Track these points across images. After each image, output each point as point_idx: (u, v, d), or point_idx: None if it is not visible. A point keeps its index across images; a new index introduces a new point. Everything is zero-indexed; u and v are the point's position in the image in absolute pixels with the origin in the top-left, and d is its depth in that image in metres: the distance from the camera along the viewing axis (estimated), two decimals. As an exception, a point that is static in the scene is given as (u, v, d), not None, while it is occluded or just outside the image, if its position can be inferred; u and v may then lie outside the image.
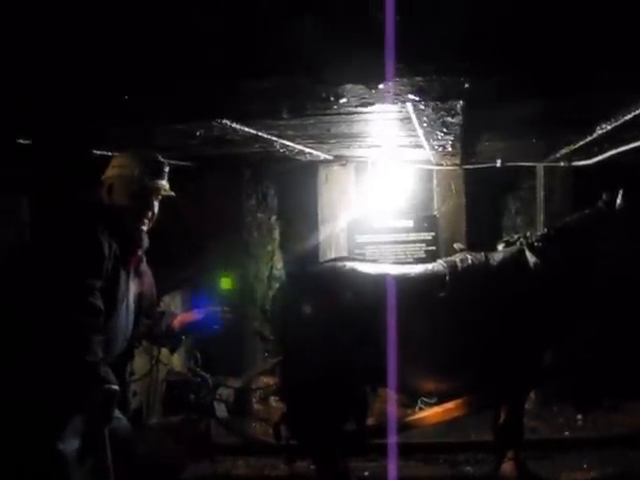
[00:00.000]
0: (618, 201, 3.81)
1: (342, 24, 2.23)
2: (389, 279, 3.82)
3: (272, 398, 5.99)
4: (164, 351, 4.54)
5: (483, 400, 3.92)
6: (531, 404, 5.52)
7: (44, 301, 2.62)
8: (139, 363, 4.73)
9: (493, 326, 3.75)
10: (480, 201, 6.37)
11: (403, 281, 3.86)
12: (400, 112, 3.29)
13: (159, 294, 3.60)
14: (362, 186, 6.42)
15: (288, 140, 4.44)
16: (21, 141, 3.90)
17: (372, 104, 2.87)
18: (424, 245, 6.24)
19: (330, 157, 5.92)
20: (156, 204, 3.09)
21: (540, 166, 6.16)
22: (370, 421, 4.29)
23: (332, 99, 2.75)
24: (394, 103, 2.83)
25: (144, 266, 3.19)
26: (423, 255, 6.19)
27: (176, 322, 3.48)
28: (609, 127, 3.74)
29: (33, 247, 2.99)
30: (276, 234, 7.08)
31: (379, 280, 3.83)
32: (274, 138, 4.24)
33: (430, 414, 4.01)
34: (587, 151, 5.14)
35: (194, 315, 3.60)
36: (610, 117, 3.57)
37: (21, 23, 2.46)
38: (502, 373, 3.83)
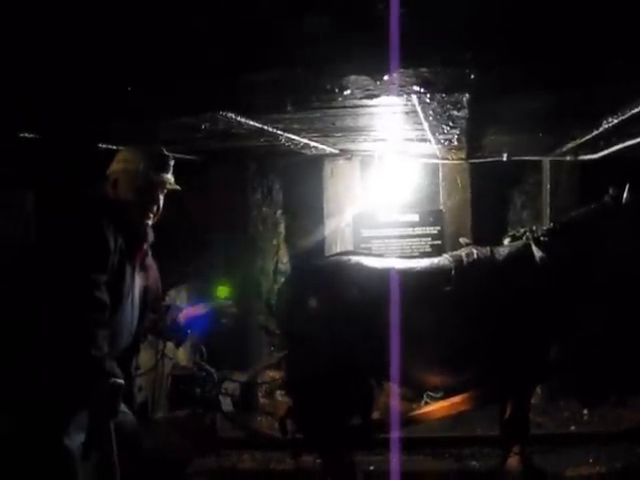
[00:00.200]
0: (625, 196, 3.79)
1: (346, 15, 2.22)
2: (394, 273, 3.81)
3: (278, 392, 6.00)
4: (170, 345, 4.56)
5: (489, 394, 3.91)
6: (537, 399, 5.51)
7: (50, 296, 2.62)
8: (145, 357, 4.73)
9: (499, 320, 3.74)
10: (486, 195, 6.36)
11: (409, 275, 3.85)
12: (406, 105, 3.28)
13: (164, 288, 3.61)
14: (368, 180, 6.41)
15: (293, 134, 4.43)
16: (26, 136, 3.90)
17: (377, 96, 2.85)
18: (430, 239, 6.23)
19: (335, 151, 5.91)
20: (161, 198, 3.08)
21: (546, 160, 6.14)
22: (376, 415, 4.29)
23: (336, 91, 2.73)
24: (399, 95, 2.81)
25: (149, 260, 3.19)
26: (429, 249, 6.17)
27: (181, 316, 3.49)
28: (616, 121, 3.72)
29: (39, 242, 2.99)
30: (281, 228, 7.08)
31: (385, 274, 3.82)
32: (279, 132, 4.24)
33: (436, 408, 4.00)
34: (593, 145, 5.12)
35: (200, 309, 3.61)
36: (617, 111, 3.55)
37: (28, 24, 2.47)
38: (508, 367, 3.82)
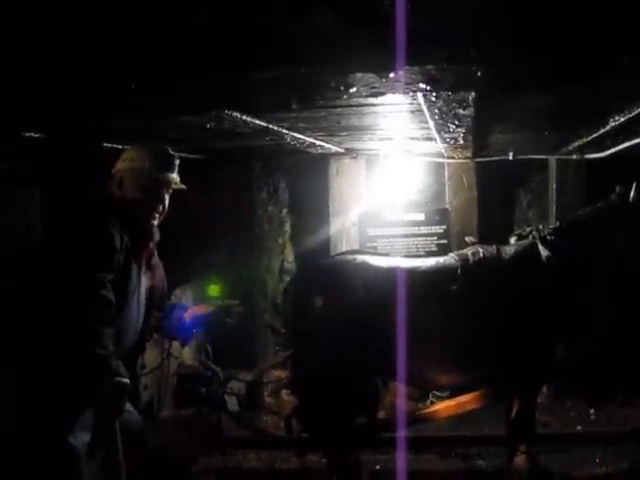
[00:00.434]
0: (632, 194, 3.78)
1: (352, 12, 2.21)
2: (400, 272, 3.81)
3: (283, 391, 5.99)
4: (175, 344, 4.56)
5: (495, 393, 3.90)
6: (543, 398, 5.49)
7: (55, 294, 2.63)
8: (150, 356, 4.73)
9: (505, 319, 3.73)
10: (492, 194, 6.34)
11: (415, 274, 3.84)
12: (411, 104, 3.27)
13: (170, 287, 3.60)
14: (373, 179, 6.40)
15: (299, 133, 4.43)
16: (31, 135, 3.90)
17: (383, 94, 2.83)
18: (436, 238, 6.22)
19: (341, 150, 5.91)
20: (167, 197, 3.08)
21: (552, 159, 6.12)
22: (382, 415, 4.28)
23: (342, 89, 2.72)
24: (405, 93, 2.80)
25: (155, 259, 3.20)
26: (435, 248, 6.16)
27: (187, 315, 3.49)
28: (622, 119, 3.71)
29: (45, 241, 2.99)
30: (287, 227, 7.08)
31: (390, 273, 3.81)
32: (285, 131, 4.23)
33: (443, 407, 4.00)
34: (600, 144, 5.10)
35: (205, 308, 3.61)
36: (623, 109, 3.53)
37: (32, 24, 2.47)
38: (514, 367, 3.81)
